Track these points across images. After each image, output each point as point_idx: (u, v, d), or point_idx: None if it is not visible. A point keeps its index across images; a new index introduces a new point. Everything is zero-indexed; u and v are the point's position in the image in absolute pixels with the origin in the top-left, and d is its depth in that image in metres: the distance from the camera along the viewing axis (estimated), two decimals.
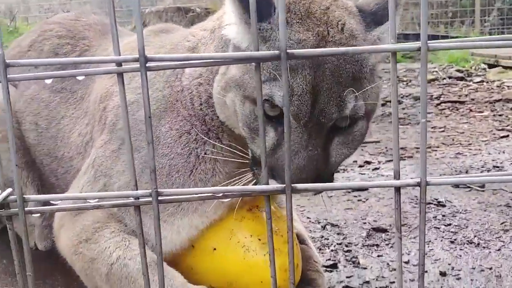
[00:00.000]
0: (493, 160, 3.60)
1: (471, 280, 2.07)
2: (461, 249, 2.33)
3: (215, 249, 1.59)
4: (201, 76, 1.60)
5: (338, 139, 1.39)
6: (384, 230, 2.53)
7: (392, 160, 3.69)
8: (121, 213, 1.64)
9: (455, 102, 5.67)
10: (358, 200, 2.93)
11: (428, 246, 2.33)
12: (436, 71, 7.46)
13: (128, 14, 11.26)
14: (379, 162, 3.71)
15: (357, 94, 1.33)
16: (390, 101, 5.72)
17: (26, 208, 0.89)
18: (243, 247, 1.56)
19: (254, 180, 1.45)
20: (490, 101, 5.61)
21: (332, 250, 2.35)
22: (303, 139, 1.31)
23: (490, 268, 2.15)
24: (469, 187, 3.06)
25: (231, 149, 1.55)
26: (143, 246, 0.92)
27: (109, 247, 1.58)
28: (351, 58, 1.33)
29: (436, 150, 3.94)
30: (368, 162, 3.71)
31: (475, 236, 2.44)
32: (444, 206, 2.81)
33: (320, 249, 2.34)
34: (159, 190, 0.86)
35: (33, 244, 2.31)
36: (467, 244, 2.37)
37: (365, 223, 2.62)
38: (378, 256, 2.29)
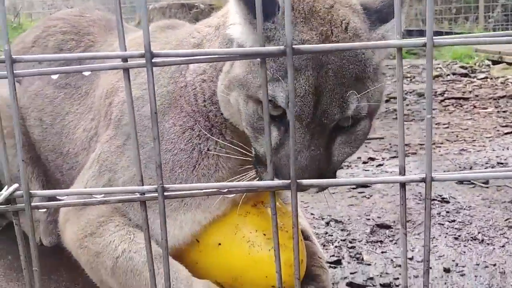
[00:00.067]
0: (497, 157, 3.59)
1: (475, 276, 2.07)
2: (465, 246, 2.32)
3: (220, 244, 1.60)
4: (205, 73, 1.60)
5: (341, 139, 1.39)
6: (388, 227, 2.53)
7: (396, 157, 3.71)
8: (125, 207, 1.65)
9: (459, 98, 5.65)
10: (362, 197, 2.93)
11: (432, 243, 2.33)
12: (440, 68, 7.44)
13: (132, 10, 11.26)
14: (383, 159, 3.71)
15: (360, 95, 1.33)
16: (394, 98, 5.71)
17: (32, 204, 0.89)
18: (248, 242, 1.56)
19: (257, 178, 1.45)
20: (494, 97, 5.59)
21: (336, 246, 2.35)
22: (306, 139, 1.31)
23: (494, 265, 2.15)
24: (473, 183, 3.05)
25: (234, 146, 1.55)
26: (148, 241, 0.92)
27: (114, 241, 1.59)
28: (354, 59, 1.32)
29: (440, 147, 3.94)
30: (372, 159, 3.71)
31: (479, 233, 2.44)
32: (448, 202, 2.80)
33: (324, 245, 2.35)
34: (165, 185, 0.87)
35: (38, 239, 2.32)
36: (471, 240, 2.37)
37: (369, 219, 2.62)
38: (382, 252, 2.29)
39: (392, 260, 2.22)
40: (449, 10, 12.51)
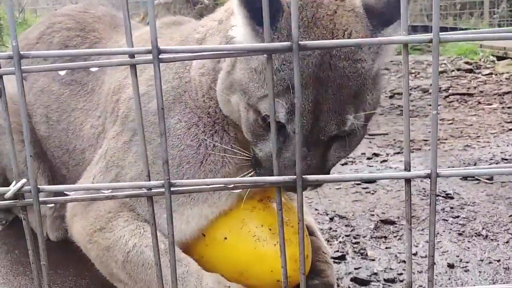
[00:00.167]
0: (501, 153, 3.59)
1: (479, 272, 2.07)
2: (469, 241, 2.33)
3: (226, 238, 1.61)
4: (203, 67, 1.60)
5: (336, 145, 1.41)
6: (392, 222, 2.54)
7: (400, 153, 3.71)
8: (133, 202, 1.66)
9: (464, 94, 5.63)
10: (366, 192, 2.93)
11: (436, 238, 2.33)
12: (445, 63, 7.41)
13: (136, 6, 11.25)
14: (387, 155, 3.71)
15: (357, 112, 1.35)
16: (398, 93, 5.70)
17: (40, 199, 0.90)
18: (254, 237, 1.57)
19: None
20: (499, 93, 5.57)
21: (340, 242, 2.36)
22: (302, 151, 1.33)
23: (498, 260, 2.15)
24: (477, 179, 3.05)
25: (239, 141, 1.56)
26: (155, 236, 0.93)
27: (124, 236, 1.61)
28: (355, 74, 1.32)
29: (444, 143, 3.93)
30: (376, 154, 3.71)
31: (483, 229, 2.44)
32: (452, 198, 2.80)
33: (328, 241, 2.35)
34: (171, 181, 0.88)
35: (45, 234, 2.34)
36: (475, 236, 2.37)
37: (373, 215, 2.63)
38: (386, 248, 2.30)
39: (396, 255, 2.22)
40: (454, 5, 12.45)
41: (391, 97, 5.67)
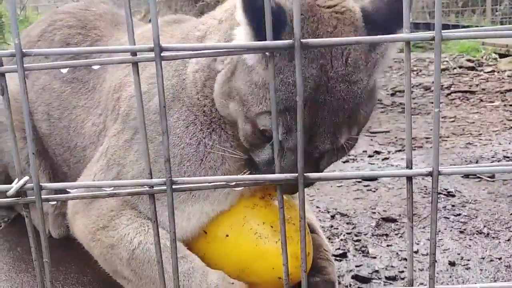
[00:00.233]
0: (503, 150, 3.58)
1: (480, 270, 2.07)
2: (470, 239, 2.33)
3: (227, 235, 1.61)
4: (198, 63, 1.60)
5: (329, 154, 1.43)
6: (393, 220, 2.54)
7: (401, 150, 3.70)
8: (135, 200, 1.67)
9: (466, 92, 5.62)
10: (368, 190, 2.93)
11: (438, 236, 2.33)
12: (447, 61, 7.39)
13: (137, 3, 11.24)
14: (389, 152, 3.71)
15: (351, 129, 1.38)
16: (400, 91, 5.69)
17: (42, 196, 0.90)
18: (255, 234, 1.58)
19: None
20: (501, 91, 5.56)
21: (341, 240, 2.36)
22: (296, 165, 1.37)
23: (500, 258, 2.15)
24: (479, 177, 3.05)
25: (236, 140, 1.56)
26: (157, 234, 0.93)
27: (129, 234, 1.62)
28: (351, 97, 1.32)
29: (446, 140, 3.93)
30: (378, 152, 3.71)
31: (484, 226, 2.44)
32: (453, 196, 2.80)
33: (329, 239, 2.36)
34: (173, 178, 0.88)
35: (47, 231, 2.34)
36: (477, 234, 2.37)
37: (374, 212, 2.63)
38: (388, 245, 2.30)
39: (397, 253, 2.22)
40: (456, 3, 12.41)
41: (392, 94, 5.66)
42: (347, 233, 2.42)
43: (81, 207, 1.76)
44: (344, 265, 2.14)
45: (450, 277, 2.02)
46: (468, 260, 2.15)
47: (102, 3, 2.52)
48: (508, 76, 6.34)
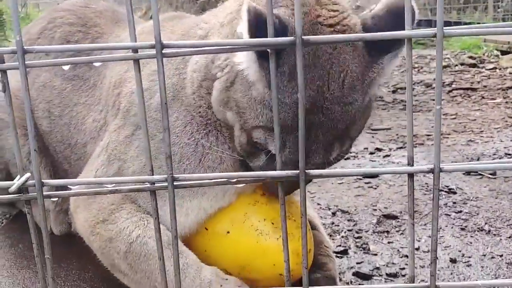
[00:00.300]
0: (505, 148, 3.58)
1: (482, 267, 2.07)
2: (471, 236, 2.33)
3: (228, 232, 1.61)
4: (196, 63, 1.60)
5: (320, 166, 1.44)
6: (394, 217, 2.54)
7: (403, 147, 3.70)
8: (135, 194, 1.68)
9: (467, 89, 5.61)
10: (369, 187, 2.93)
11: (439, 233, 2.34)
12: (448, 58, 7.38)
13: (138, 0, 11.22)
14: (390, 149, 3.71)
15: (344, 144, 1.41)
16: (401, 88, 5.68)
17: (44, 193, 0.91)
18: (256, 231, 1.58)
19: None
20: (503, 88, 5.55)
21: (342, 237, 2.36)
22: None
23: (501, 255, 2.15)
24: (480, 174, 3.05)
25: (233, 141, 1.57)
26: (158, 230, 0.93)
27: (127, 227, 1.63)
28: (345, 117, 1.34)
29: (447, 137, 3.92)
30: (379, 149, 3.71)
31: (486, 223, 2.44)
32: (455, 193, 2.80)
33: (330, 235, 2.36)
34: (174, 175, 0.88)
35: (48, 228, 2.35)
36: (478, 231, 2.38)
37: (375, 209, 2.63)
38: (389, 242, 2.30)
39: (398, 250, 2.22)
40: (458, 0, 12.39)
41: (394, 91, 5.65)
42: (348, 230, 2.42)
43: (82, 202, 1.77)
44: (345, 262, 2.14)
45: (451, 274, 2.02)
46: (469, 257, 2.15)
47: (101, 0, 2.52)
48: (510, 73, 6.33)
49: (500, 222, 2.45)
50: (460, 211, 2.58)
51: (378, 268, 2.09)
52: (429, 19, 10.18)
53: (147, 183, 0.90)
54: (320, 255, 1.81)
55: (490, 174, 3.04)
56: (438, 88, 0.81)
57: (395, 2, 1.27)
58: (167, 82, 1.65)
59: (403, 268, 2.07)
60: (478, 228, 2.40)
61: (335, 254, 2.17)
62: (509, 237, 2.30)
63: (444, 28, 0.80)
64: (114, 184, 0.95)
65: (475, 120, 4.44)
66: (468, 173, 3.06)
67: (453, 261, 2.11)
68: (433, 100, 5.12)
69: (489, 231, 2.37)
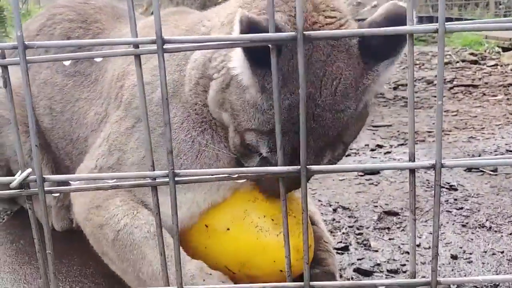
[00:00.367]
0: (506, 144, 3.58)
1: (483, 263, 2.07)
2: (472, 233, 2.33)
3: (228, 229, 1.61)
4: (195, 61, 1.61)
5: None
6: (395, 214, 2.54)
7: (404, 144, 3.70)
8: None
9: (469, 86, 5.61)
10: (370, 184, 2.93)
11: (440, 230, 2.33)
12: (450, 55, 7.37)
13: None
14: (391, 146, 3.70)
15: (336, 148, 1.42)
16: (402, 85, 5.68)
17: (45, 188, 0.91)
18: (256, 227, 1.58)
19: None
20: (504, 84, 5.55)
21: (343, 233, 2.36)
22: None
23: (502, 252, 2.15)
24: (481, 171, 3.05)
25: (227, 140, 1.58)
26: (159, 226, 0.93)
27: (117, 215, 1.64)
28: (336, 124, 1.34)
29: (448, 134, 3.92)
30: (380, 146, 3.71)
31: (487, 220, 2.44)
32: (456, 190, 2.80)
33: (331, 232, 2.36)
34: (175, 171, 0.88)
35: (50, 224, 2.36)
36: (479, 228, 2.38)
37: (376, 206, 2.63)
38: (390, 239, 2.30)
39: (399, 246, 2.22)
40: None
41: (395, 88, 5.65)
42: (349, 227, 2.42)
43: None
44: (346, 258, 2.14)
45: (452, 270, 2.02)
46: (470, 253, 2.15)
47: None
48: (511, 70, 6.32)
49: (501, 219, 2.45)
50: (461, 208, 2.58)
51: (379, 265, 2.09)
52: (430, 16, 10.16)
53: (148, 178, 0.90)
54: (319, 250, 1.81)
55: (491, 171, 3.04)
56: (440, 84, 0.80)
57: (394, 9, 1.26)
58: (168, 77, 1.65)
59: (404, 265, 2.08)
60: (479, 224, 2.40)
61: (336, 251, 2.17)
62: (510, 234, 2.30)
63: (446, 23, 0.79)
64: (115, 180, 0.95)
65: (476, 117, 4.44)
66: (469, 169, 3.06)
67: (454, 257, 2.11)
68: (434, 97, 5.12)
69: (490, 227, 2.37)
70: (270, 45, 0.83)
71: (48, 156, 2.29)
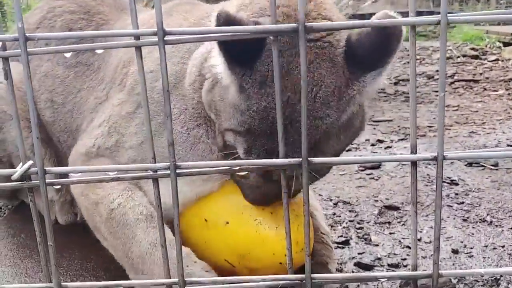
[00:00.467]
0: (507, 139, 3.58)
1: (483, 258, 2.08)
2: (473, 227, 2.33)
3: (227, 222, 1.62)
4: (196, 58, 1.62)
5: (296, 180, 1.43)
6: (396, 208, 2.54)
7: (404, 139, 3.70)
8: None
9: (469, 80, 5.60)
10: (370, 178, 2.93)
11: (441, 224, 2.34)
12: (450, 50, 7.35)
13: None
14: (392, 141, 3.70)
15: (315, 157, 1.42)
16: (403, 80, 5.67)
17: (47, 180, 0.91)
18: (256, 221, 1.58)
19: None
20: (505, 79, 5.54)
21: (344, 227, 2.36)
22: (257, 184, 1.47)
23: (503, 246, 2.15)
24: (482, 165, 3.05)
25: None
26: (161, 218, 0.94)
27: (112, 194, 1.68)
28: (313, 131, 1.32)
29: (449, 129, 3.92)
30: (381, 141, 3.71)
31: (487, 215, 2.44)
32: (457, 184, 2.80)
33: (332, 226, 2.36)
34: (177, 163, 0.88)
35: (53, 218, 2.37)
36: (480, 222, 2.38)
37: (377, 200, 2.63)
38: (390, 233, 2.30)
39: (400, 241, 2.23)
40: None
41: (396, 83, 5.64)
42: (350, 221, 2.42)
43: (81, 163, 1.85)
44: (347, 253, 2.15)
45: (453, 264, 2.03)
46: (471, 248, 2.15)
47: None
48: None
49: (502, 213, 2.45)
50: (462, 202, 2.58)
51: (379, 259, 2.09)
52: (431, 11, 10.14)
53: (149, 170, 0.90)
54: (315, 242, 1.81)
55: (492, 165, 3.04)
56: (442, 76, 0.80)
57: (384, 23, 1.25)
58: (171, 69, 1.67)
59: (405, 259, 2.08)
60: (480, 219, 2.40)
61: (336, 245, 2.17)
62: (511, 228, 2.31)
63: (450, 15, 0.79)
64: (116, 172, 0.95)
65: (477, 111, 4.43)
66: (470, 164, 3.06)
67: (455, 252, 2.12)
68: (435, 91, 5.11)
69: (491, 222, 2.37)
70: (271, 37, 0.83)
71: (51, 150, 2.29)
